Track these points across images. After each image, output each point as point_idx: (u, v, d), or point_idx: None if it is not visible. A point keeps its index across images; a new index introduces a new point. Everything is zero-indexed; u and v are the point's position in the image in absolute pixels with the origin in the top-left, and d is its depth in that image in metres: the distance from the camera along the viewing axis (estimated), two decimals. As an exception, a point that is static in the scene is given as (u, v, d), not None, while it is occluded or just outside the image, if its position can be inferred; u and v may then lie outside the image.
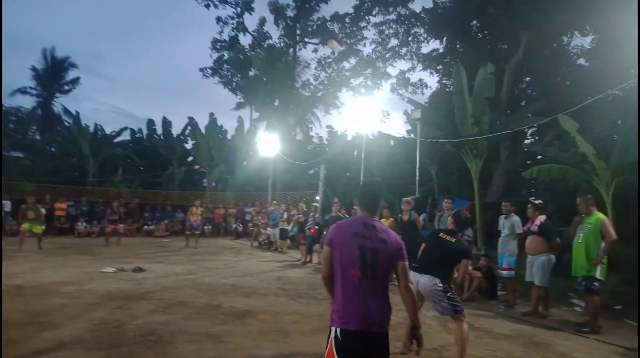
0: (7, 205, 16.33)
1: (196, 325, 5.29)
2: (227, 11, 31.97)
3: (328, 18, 30.04)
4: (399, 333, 4.61)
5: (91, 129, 24.84)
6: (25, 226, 12.16)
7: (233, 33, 31.79)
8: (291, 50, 31.39)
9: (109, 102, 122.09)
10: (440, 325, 5.75)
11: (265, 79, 27.34)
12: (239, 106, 32.71)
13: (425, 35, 22.43)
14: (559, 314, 6.72)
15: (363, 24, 28.02)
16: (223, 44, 32.20)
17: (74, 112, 26.48)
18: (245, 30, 31.77)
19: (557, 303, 7.11)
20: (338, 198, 12.51)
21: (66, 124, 28.45)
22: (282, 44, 31.57)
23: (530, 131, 17.87)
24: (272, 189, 20.24)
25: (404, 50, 24.70)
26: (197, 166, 25.60)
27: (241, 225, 20.52)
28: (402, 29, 23.65)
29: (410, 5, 23.31)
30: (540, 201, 7.07)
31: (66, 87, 31.41)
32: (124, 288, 7.38)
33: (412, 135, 17.86)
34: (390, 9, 23.28)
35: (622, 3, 11.36)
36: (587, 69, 16.56)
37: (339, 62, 30.47)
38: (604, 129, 12.54)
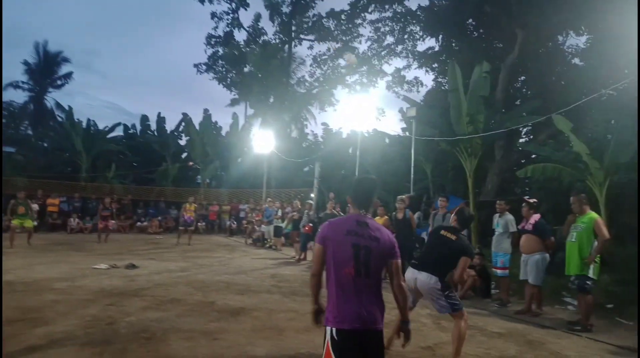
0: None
1: (189, 322, 5.26)
2: (222, 6, 31.66)
3: (324, 15, 29.99)
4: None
5: (84, 124, 24.65)
6: (15, 222, 12.02)
7: (228, 29, 31.59)
8: (286, 46, 31.28)
9: (102, 98, 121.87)
10: (434, 323, 5.76)
11: (260, 75, 27.22)
12: (234, 102, 32.59)
13: (421, 33, 22.37)
14: (552, 312, 6.75)
15: (359, 21, 27.95)
16: (218, 39, 31.99)
17: (67, 107, 26.29)
18: (240, 26, 31.60)
19: (550, 302, 7.14)
20: (334, 193, 12.50)
21: (59, 119, 28.27)
22: (278, 41, 31.42)
23: (525, 130, 17.94)
24: (267, 186, 20.21)
25: (399, 48, 24.66)
26: (191, 163, 25.48)
27: (235, 222, 20.47)
28: (398, 27, 23.57)
29: (406, 2, 23.26)
30: (535, 200, 7.10)
31: (59, 82, 31.24)
32: (117, 284, 7.34)
33: (407, 133, 17.83)
34: (386, 7, 23.17)
35: (617, 3, 11.42)
36: (581, 69, 16.64)
37: (335, 59, 30.42)
38: (598, 128, 12.59)
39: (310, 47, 31.27)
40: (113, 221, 15.49)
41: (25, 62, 29.57)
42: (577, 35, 17.00)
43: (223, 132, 28.45)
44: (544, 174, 11.63)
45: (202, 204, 21.02)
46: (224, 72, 32.73)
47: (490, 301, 7.46)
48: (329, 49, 30.48)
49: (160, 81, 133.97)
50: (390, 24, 23.89)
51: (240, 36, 32.47)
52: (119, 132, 26.98)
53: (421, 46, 23.81)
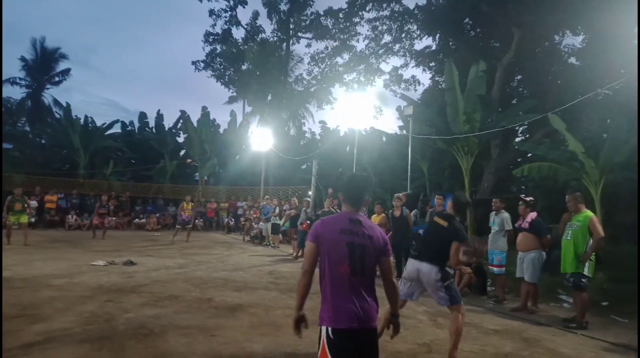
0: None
1: (187, 318, 5.28)
2: (220, 4, 31.71)
3: (322, 13, 29.99)
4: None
5: (82, 121, 24.58)
6: (12, 218, 11.99)
7: (226, 26, 31.60)
8: (284, 44, 31.27)
9: (100, 95, 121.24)
10: (431, 320, 5.80)
11: (258, 73, 27.23)
12: (232, 99, 32.60)
13: (418, 32, 22.41)
14: (547, 310, 6.79)
15: (357, 19, 27.97)
16: (216, 37, 31.98)
17: (65, 104, 26.18)
18: (238, 23, 31.58)
19: (545, 299, 7.19)
20: (332, 189, 12.52)
21: (56, 115, 28.17)
22: (276, 38, 31.43)
23: (521, 129, 18.00)
24: (265, 183, 20.22)
25: (397, 46, 24.69)
26: (189, 160, 25.47)
27: (233, 219, 20.50)
28: (396, 26, 23.60)
29: (403, 1, 23.31)
30: (532, 198, 7.14)
31: (56, 79, 31.12)
32: (115, 281, 7.35)
33: (404, 131, 17.85)
34: (384, 5, 23.20)
35: (613, 3, 11.46)
36: (577, 68, 16.69)
37: (333, 57, 30.42)
38: (594, 127, 12.69)
39: (308, 45, 31.28)
40: (110, 219, 15.47)
41: (23, 59, 29.44)
42: (573, 34, 17.05)
43: (221, 130, 28.42)
44: (540, 172, 11.70)
45: (200, 202, 21.04)
46: (222, 70, 32.73)
47: (486, 299, 7.50)
48: (326, 47, 30.54)
49: (158, 78, 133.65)
50: (387, 22, 23.93)
51: (238, 34, 32.54)
52: (116, 129, 26.91)
53: (418, 45, 23.82)
